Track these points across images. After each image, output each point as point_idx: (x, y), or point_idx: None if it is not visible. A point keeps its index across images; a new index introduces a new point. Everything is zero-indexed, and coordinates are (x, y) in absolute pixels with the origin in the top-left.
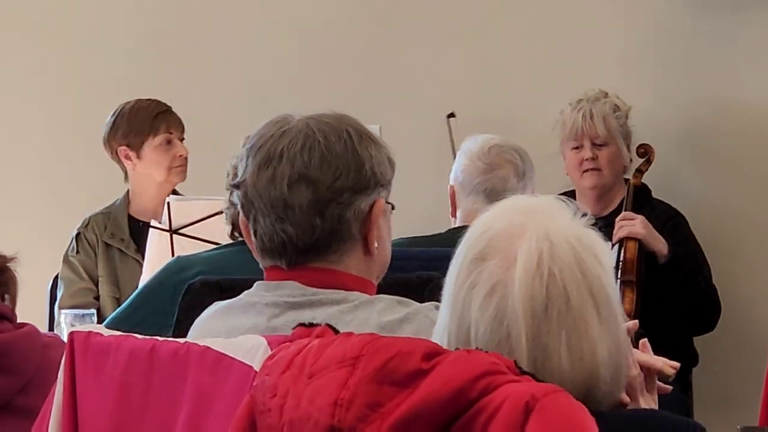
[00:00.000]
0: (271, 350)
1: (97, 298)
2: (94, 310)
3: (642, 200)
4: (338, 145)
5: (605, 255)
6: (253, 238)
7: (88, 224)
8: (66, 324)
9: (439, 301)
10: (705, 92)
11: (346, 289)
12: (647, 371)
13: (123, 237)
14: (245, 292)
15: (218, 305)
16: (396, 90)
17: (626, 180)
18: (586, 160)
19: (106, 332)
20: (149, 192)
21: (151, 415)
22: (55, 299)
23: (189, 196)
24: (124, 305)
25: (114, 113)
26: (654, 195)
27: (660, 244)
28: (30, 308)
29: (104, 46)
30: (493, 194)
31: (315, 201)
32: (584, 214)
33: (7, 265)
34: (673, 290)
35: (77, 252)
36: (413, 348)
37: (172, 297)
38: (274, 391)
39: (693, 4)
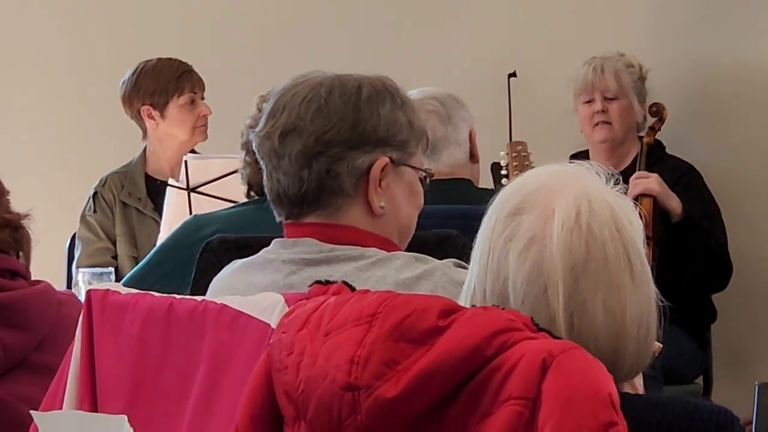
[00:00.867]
0: (289, 308)
1: (115, 257)
2: (111, 269)
3: (655, 156)
4: (339, 100)
5: (638, 221)
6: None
7: (105, 183)
8: (84, 282)
9: (456, 257)
10: (719, 52)
11: (364, 246)
12: None
13: (140, 196)
14: (263, 249)
15: (236, 263)
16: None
17: (640, 138)
18: (597, 113)
19: (124, 290)
20: (169, 151)
21: (169, 372)
22: (73, 259)
23: (207, 154)
24: (141, 264)
25: (135, 71)
26: (668, 151)
27: (674, 203)
28: (47, 267)
29: (113, 5)
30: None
31: (303, 152)
32: (617, 182)
33: (21, 222)
34: (685, 250)
35: (94, 211)
36: (430, 305)
37: (190, 255)
38: (291, 349)
39: None
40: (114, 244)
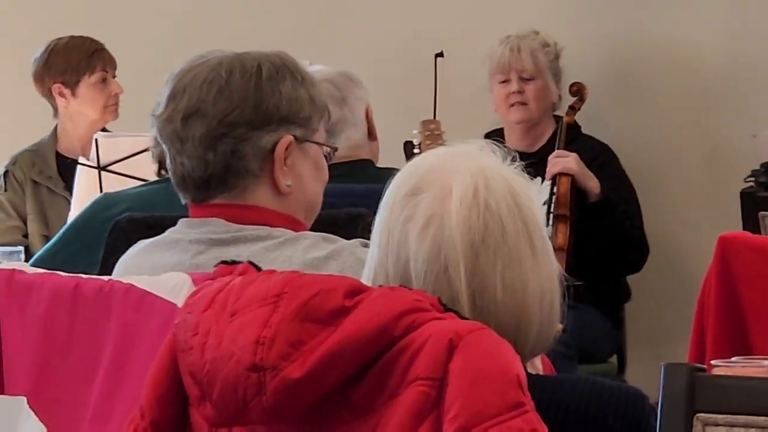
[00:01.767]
0: (196, 288)
1: (26, 236)
2: (21, 248)
3: (572, 136)
4: (240, 80)
5: (536, 197)
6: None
7: (15, 162)
8: None
9: (368, 238)
10: (634, 31)
11: (271, 226)
12: None
13: (51, 174)
14: (170, 229)
15: (143, 243)
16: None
17: (557, 118)
18: (513, 93)
19: (30, 270)
20: (80, 129)
21: (75, 353)
22: None
23: (118, 132)
24: (51, 242)
25: (46, 49)
26: (583, 131)
27: (592, 183)
28: None
29: None
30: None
31: (206, 135)
32: (513, 159)
33: None
34: (601, 230)
35: (5, 190)
36: (336, 285)
37: (100, 234)
38: (196, 330)
39: None
40: (25, 222)
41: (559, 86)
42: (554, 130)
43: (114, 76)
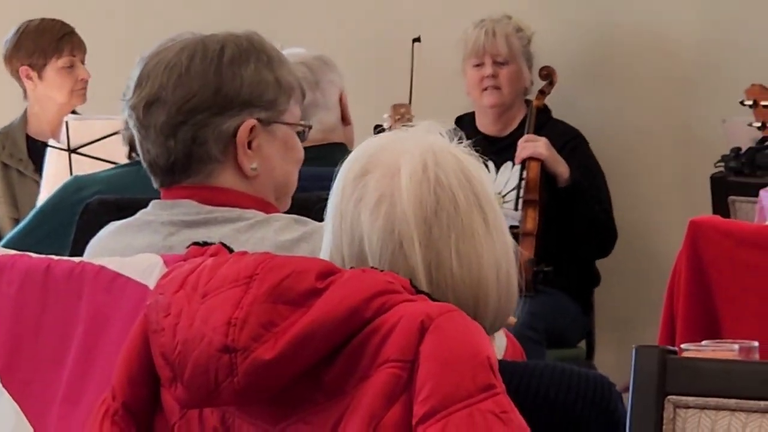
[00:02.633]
0: (168, 269)
1: None
2: None
3: (542, 121)
4: (200, 66)
5: (485, 171)
6: None
7: None
8: None
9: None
10: (605, 16)
11: (242, 208)
12: None
13: (21, 157)
14: (141, 211)
15: (114, 224)
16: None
17: (528, 102)
18: (487, 77)
19: (1, 251)
20: (48, 113)
21: (46, 334)
22: None
23: (89, 115)
24: (21, 225)
25: (17, 31)
26: (554, 116)
27: (561, 167)
28: None
29: None
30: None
31: (167, 122)
32: (461, 139)
33: None
34: (570, 215)
35: None
36: (308, 267)
37: (70, 216)
38: (168, 311)
39: None
40: None
41: (531, 71)
42: (525, 114)
43: (83, 61)
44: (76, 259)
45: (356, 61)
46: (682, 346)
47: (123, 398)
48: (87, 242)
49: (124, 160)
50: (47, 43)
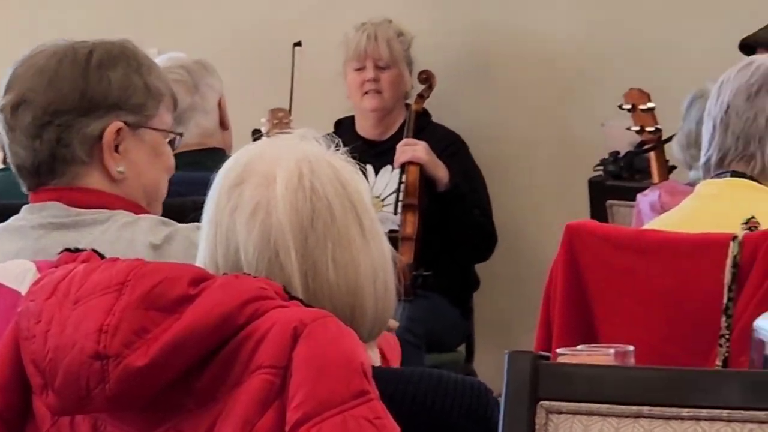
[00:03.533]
0: (40, 275)
1: None
2: None
3: (422, 125)
4: (69, 69)
5: (361, 178)
6: None
7: None
8: None
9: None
10: (486, 20)
11: (111, 209)
12: None
13: None
14: (13, 217)
15: None
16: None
17: (407, 106)
18: (368, 81)
19: None
20: None
21: None
22: None
23: None
24: None
25: None
26: (434, 120)
27: (441, 171)
28: None
29: None
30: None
31: (32, 123)
32: (338, 146)
33: None
34: (450, 219)
35: None
36: (180, 273)
37: None
38: (39, 317)
39: None
40: None
41: (412, 75)
42: (405, 118)
43: None
44: None
45: (235, 65)
46: (558, 350)
47: None
48: None
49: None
50: None
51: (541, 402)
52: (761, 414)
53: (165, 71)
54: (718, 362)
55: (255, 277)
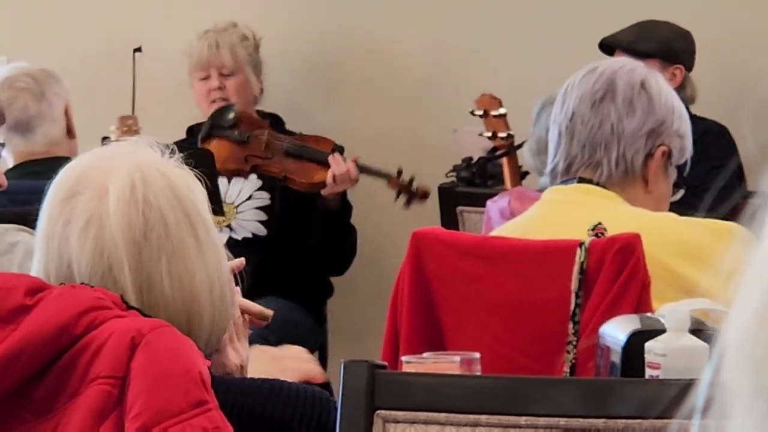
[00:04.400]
0: None
1: None
2: None
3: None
4: None
5: (197, 187)
6: None
7: None
8: None
9: None
10: (335, 23)
11: None
12: (242, 316)
13: None
14: None
15: None
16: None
17: (261, 113)
18: (213, 89)
19: None
20: None
21: None
22: None
23: None
24: None
25: None
26: (287, 128)
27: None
28: None
29: None
30: (20, 127)
31: None
32: (173, 152)
33: None
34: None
35: None
36: (16, 283)
37: None
38: None
39: None
40: None
41: (260, 78)
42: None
43: None
44: None
45: (78, 72)
46: (403, 358)
47: None
48: None
49: None
50: None
51: (377, 411)
52: (598, 422)
53: (11, 80)
54: (566, 369)
55: (92, 287)
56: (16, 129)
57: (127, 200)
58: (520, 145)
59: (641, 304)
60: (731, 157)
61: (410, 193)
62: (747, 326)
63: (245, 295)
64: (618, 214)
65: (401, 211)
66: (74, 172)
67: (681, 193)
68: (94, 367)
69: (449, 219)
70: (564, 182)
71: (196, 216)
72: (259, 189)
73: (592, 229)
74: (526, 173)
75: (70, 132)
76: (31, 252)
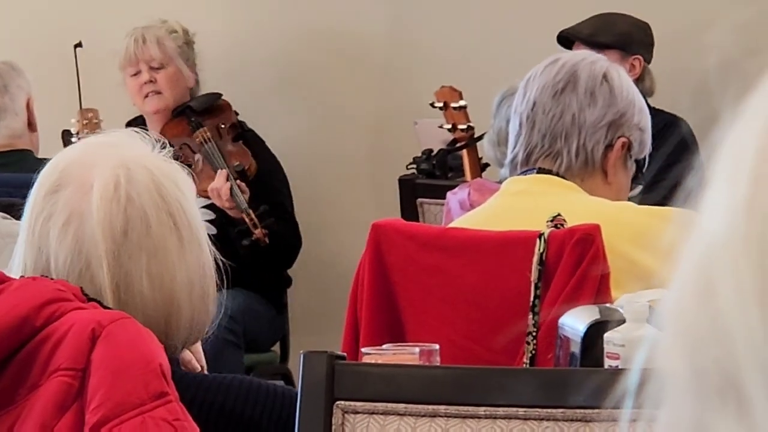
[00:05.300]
0: None
1: None
2: None
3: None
4: None
5: (186, 183)
6: None
7: None
8: None
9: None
10: (289, 18)
11: None
12: None
13: None
14: None
15: None
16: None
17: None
18: (145, 83)
19: None
20: None
21: None
22: None
23: None
24: None
25: None
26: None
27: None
28: None
29: None
30: None
31: None
32: (163, 146)
33: None
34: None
35: None
36: None
37: None
38: None
39: None
40: None
41: (195, 71)
42: None
43: None
44: None
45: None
46: (363, 350)
47: None
48: None
49: None
50: None
51: (337, 402)
52: (557, 412)
53: None
54: (526, 360)
55: (53, 279)
56: None
57: (110, 197)
58: (480, 137)
59: (600, 294)
60: (689, 150)
61: (255, 231)
62: (682, 306)
63: None
64: (577, 204)
65: (361, 201)
66: (59, 166)
67: (639, 188)
68: (54, 359)
69: (409, 211)
70: (523, 173)
71: (181, 215)
72: None
73: (552, 220)
74: (487, 165)
75: (31, 125)
76: None
